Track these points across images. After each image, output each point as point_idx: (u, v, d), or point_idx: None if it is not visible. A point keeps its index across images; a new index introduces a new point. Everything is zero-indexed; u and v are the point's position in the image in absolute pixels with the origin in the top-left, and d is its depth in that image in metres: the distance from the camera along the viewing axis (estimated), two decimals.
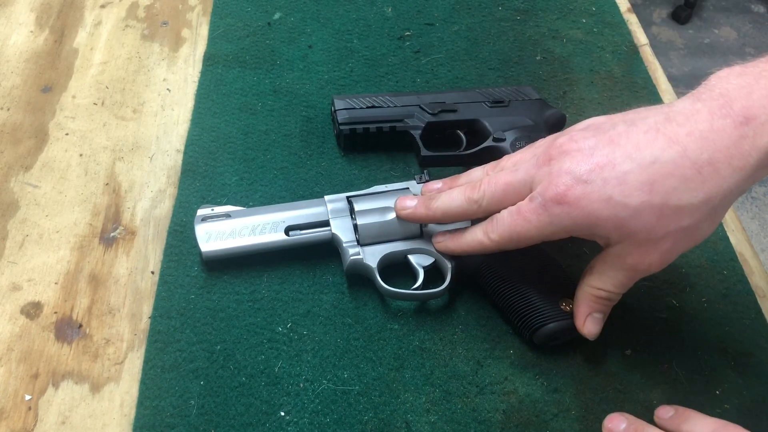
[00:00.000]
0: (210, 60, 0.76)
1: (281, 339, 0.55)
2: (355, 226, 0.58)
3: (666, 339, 0.57)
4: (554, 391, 0.53)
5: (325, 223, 0.59)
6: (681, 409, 0.51)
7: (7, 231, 0.61)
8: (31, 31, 0.79)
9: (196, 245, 0.58)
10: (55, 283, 0.58)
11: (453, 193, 0.54)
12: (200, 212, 0.59)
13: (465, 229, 0.55)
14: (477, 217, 0.53)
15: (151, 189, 0.65)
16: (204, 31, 0.80)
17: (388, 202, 0.58)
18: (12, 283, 0.58)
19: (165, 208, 0.63)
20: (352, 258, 0.57)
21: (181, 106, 0.72)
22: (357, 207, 0.58)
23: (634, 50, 0.81)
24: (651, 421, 0.51)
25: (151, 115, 0.71)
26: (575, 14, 0.85)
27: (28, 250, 0.60)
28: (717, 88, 0.44)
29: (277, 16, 0.82)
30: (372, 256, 0.57)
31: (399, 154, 0.68)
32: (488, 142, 0.65)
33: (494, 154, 0.65)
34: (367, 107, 0.67)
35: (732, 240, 0.64)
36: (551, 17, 0.84)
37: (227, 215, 0.59)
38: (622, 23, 0.83)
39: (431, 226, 0.59)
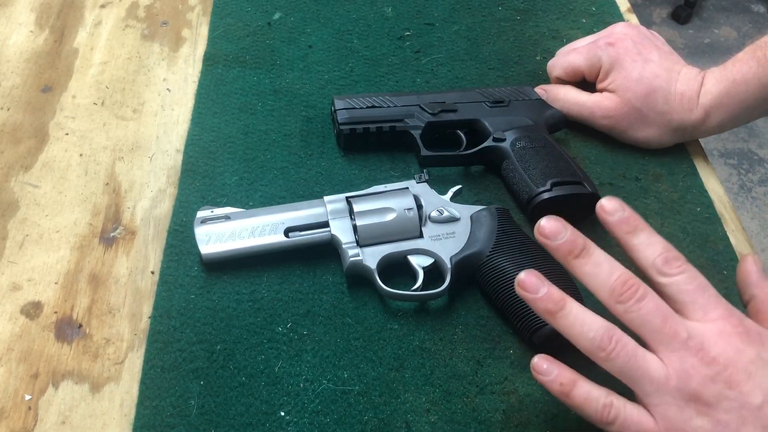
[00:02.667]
0: (210, 60, 0.76)
1: (281, 339, 0.55)
2: (355, 227, 0.58)
3: None
4: None
5: (325, 224, 0.59)
6: (632, 215, 0.47)
7: (7, 231, 0.61)
8: (31, 31, 0.79)
9: (196, 246, 0.58)
10: (55, 283, 0.58)
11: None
12: (200, 214, 0.59)
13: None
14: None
15: (151, 189, 0.65)
16: (204, 31, 0.80)
17: (388, 203, 0.58)
18: (12, 283, 0.58)
19: (165, 208, 0.63)
20: (351, 259, 0.57)
21: (181, 106, 0.72)
22: (356, 208, 0.58)
23: None
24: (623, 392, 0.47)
25: (151, 115, 0.71)
26: (575, 14, 0.85)
27: (28, 250, 0.60)
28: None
29: (277, 16, 0.82)
30: (371, 257, 0.57)
31: (399, 154, 0.68)
32: (488, 142, 0.65)
33: (494, 154, 0.66)
34: (367, 107, 0.67)
35: (732, 240, 0.64)
36: (551, 17, 0.84)
37: (227, 217, 0.59)
38: (622, 21, 0.83)
39: (431, 226, 0.59)
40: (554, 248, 0.46)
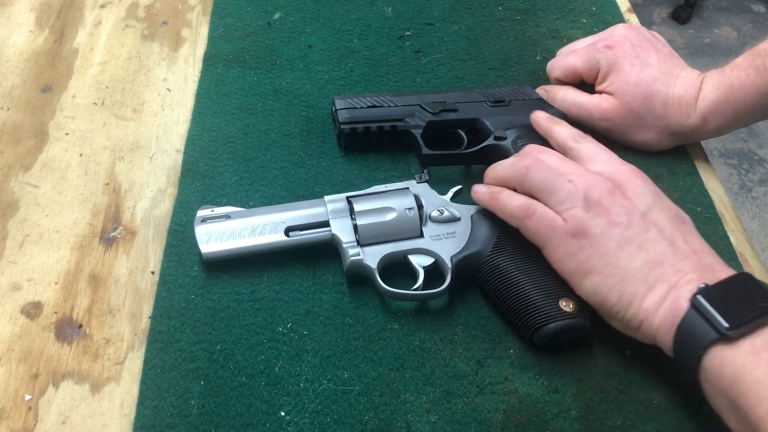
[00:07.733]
0: (210, 60, 0.76)
1: (281, 339, 0.55)
2: (355, 227, 0.58)
3: None
4: (554, 391, 0.53)
5: (325, 224, 0.59)
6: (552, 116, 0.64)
7: (7, 231, 0.61)
8: (31, 31, 0.79)
9: (196, 245, 0.58)
10: (55, 283, 0.58)
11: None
12: (200, 213, 0.59)
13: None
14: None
15: (151, 189, 0.65)
16: (204, 31, 0.80)
17: (388, 203, 0.58)
18: (12, 283, 0.58)
19: (165, 208, 0.63)
20: (351, 259, 0.57)
21: (181, 106, 0.72)
22: (357, 207, 0.58)
23: None
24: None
25: (151, 115, 0.71)
26: (575, 14, 0.85)
27: (28, 250, 0.60)
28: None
29: (277, 16, 0.82)
30: (372, 257, 0.57)
31: (399, 153, 0.68)
32: (489, 141, 0.65)
33: (495, 153, 0.65)
34: (368, 107, 0.67)
35: (732, 240, 0.64)
36: (551, 17, 0.84)
37: (227, 216, 0.59)
38: (622, 23, 0.83)
39: (431, 226, 0.59)
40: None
